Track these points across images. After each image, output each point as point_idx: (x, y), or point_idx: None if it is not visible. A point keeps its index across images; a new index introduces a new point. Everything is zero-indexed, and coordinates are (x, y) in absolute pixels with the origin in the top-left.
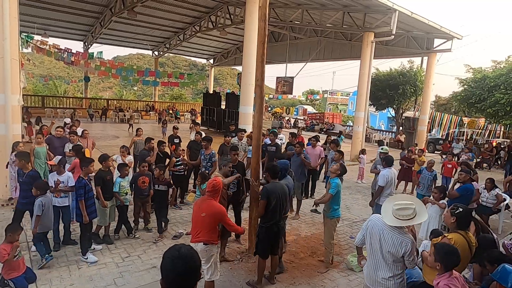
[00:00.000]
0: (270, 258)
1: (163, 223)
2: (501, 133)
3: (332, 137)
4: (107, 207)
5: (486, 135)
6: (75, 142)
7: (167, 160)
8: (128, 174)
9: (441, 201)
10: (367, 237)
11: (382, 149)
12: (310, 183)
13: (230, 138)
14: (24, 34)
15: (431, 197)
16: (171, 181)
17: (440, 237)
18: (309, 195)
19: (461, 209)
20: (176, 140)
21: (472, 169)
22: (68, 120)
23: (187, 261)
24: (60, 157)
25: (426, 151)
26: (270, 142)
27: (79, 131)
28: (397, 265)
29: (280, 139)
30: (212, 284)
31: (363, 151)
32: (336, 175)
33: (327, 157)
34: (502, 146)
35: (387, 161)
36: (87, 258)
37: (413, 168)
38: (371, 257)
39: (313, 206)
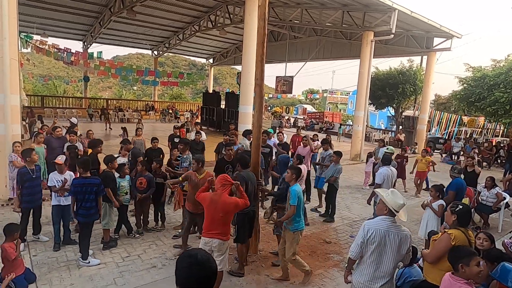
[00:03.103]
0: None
1: (159, 214)
2: (501, 131)
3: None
4: (118, 206)
5: (485, 134)
6: (74, 142)
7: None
8: (128, 173)
9: (439, 201)
10: (369, 246)
11: (388, 149)
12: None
13: (228, 137)
14: (23, 34)
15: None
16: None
17: (440, 233)
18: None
19: (461, 207)
20: (176, 139)
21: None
22: (75, 120)
23: (205, 267)
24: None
25: (431, 150)
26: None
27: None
28: (394, 269)
29: None
30: (222, 274)
31: (370, 155)
32: (295, 181)
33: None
34: (501, 145)
35: (384, 160)
36: (89, 263)
37: (427, 169)
38: (371, 265)
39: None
